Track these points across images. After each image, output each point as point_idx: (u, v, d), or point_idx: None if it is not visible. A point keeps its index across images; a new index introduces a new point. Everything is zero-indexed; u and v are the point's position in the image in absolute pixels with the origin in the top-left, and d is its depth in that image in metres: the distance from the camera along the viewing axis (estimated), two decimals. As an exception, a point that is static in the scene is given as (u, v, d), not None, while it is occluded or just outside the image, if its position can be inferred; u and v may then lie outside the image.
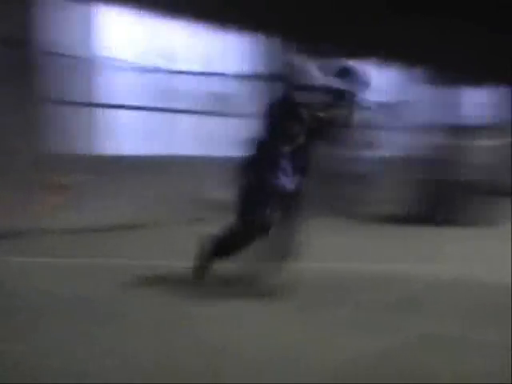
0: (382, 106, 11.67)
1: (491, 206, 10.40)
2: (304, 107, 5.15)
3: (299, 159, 5.24)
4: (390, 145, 12.24)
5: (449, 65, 15.86)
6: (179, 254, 6.40)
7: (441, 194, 10.36)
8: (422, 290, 5.80)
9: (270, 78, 12.01)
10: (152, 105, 10.67)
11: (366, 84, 5.41)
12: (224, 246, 5.52)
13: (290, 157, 5.18)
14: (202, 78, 11.35)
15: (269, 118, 5.27)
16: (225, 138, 11.45)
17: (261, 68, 12.26)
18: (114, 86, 10.15)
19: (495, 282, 6.06)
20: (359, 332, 4.37)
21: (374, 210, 10.96)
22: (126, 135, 10.42)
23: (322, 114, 5.19)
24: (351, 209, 10.86)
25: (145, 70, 10.50)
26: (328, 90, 5.21)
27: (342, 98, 5.27)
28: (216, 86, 11.54)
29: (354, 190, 11.05)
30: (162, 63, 10.67)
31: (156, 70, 10.59)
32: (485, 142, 10.73)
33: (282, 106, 5.24)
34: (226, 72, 11.72)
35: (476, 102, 18.12)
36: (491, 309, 5.10)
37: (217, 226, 5.54)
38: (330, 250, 7.42)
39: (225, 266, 5.61)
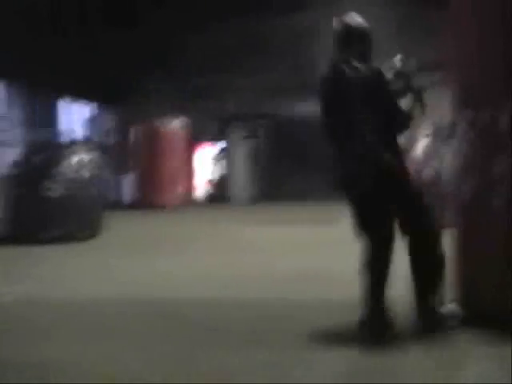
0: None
1: (84, 221, 10.61)
2: None
3: None
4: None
5: (42, 81, 15.93)
6: None
7: (40, 210, 10.22)
8: None
9: None
10: None
11: None
12: None
13: None
14: None
15: None
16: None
17: None
18: None
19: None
20: None
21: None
22: None
23: None
24: None
25: None
26: None
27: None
28: None
29: None
30: None
31: None
32: (74, 158, 10.83)
33: None
34: None
35: (69, 119, 18.41)
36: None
37: None
38: None
39: None
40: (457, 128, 4.76)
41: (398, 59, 4.58)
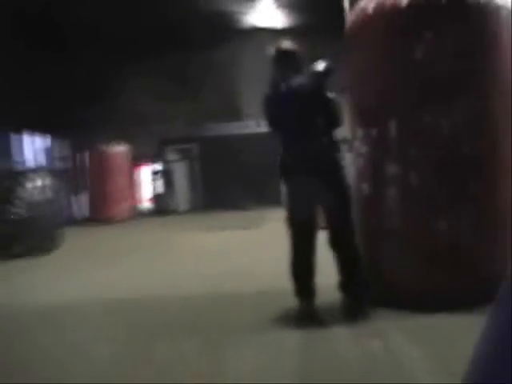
0: None
1: (45, 237, 10.56)
2: None
3: None
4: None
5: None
6: None
7: (5, 231, 10.04)
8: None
9: None
10: None
11: None
12: None
13: None
14: None
15: None
16: None
17: None
18: None
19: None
20: None
21: None
22: None
23: None
24: None
25: None
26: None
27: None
28: None
29: None
30: None
31: None
32: (32, 184, 10.71)
33: None
34: None
35: (25, 149, 18.09)
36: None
37: None
38: None
39: None
40: (354, 142, 4.99)
41: (317, 64, 4.58)
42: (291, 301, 4.58)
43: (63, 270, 8.42)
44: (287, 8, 16.79)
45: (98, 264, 8.69)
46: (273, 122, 4.64)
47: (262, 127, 5.27)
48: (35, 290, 7.00)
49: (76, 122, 17.82)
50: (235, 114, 18.87)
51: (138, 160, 18.73)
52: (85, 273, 7.93)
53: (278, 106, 4.55)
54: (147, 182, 19.87)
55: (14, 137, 17.38)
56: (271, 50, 4.69)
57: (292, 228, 4.51)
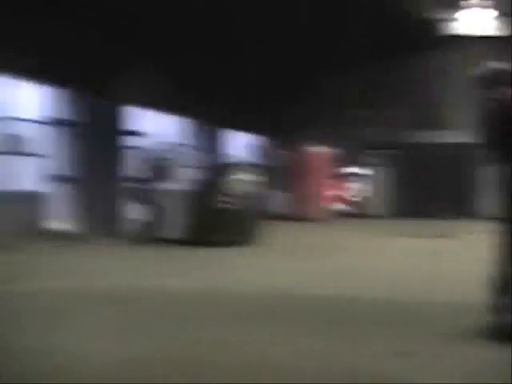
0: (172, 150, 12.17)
1: (247, 229, 10.85)
2: None
3: None
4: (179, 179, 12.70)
5: (216, 116, 16.56)
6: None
7: (212, 219, 10.55)
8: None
9: (61, 123, 11.89)
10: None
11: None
12: None
13: None
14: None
15: None
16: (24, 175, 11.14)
17: (54, 114, 11.89)
18: None
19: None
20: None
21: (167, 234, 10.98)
22: None
23: None
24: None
25: None
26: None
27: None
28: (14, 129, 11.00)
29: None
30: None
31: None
32: (238, 177, 11.11)
33: None
34: (23, 117, 11.21)
35: (235, 146, 19.00)
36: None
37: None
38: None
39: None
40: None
41: None
42: (481, 314, 4.26)
43: (266, 261, 8.64)
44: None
45: (297, 258, 8.88)
46: (496, 139, 4.33)
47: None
48: (241, 276, 7.25)
49: (281, 121, 18.31)
50: (437, 123, 18.20)
51: (339, 162, 18.74)
52: (287, 265, 8.13)
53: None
54: (346, 185, 19.82)
55: (222, 133, 18.34)
56: (480, 70, 4.44)
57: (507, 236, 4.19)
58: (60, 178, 11.96)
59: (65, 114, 12.04)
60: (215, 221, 10.52)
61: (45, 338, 4.14)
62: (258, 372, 3.42)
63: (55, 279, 6.73)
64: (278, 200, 18.26)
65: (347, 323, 4.76)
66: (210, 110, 16.07)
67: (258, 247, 10.39)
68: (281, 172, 18.45)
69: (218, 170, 11.77)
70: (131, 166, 12.83)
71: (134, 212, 12.39)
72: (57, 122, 11.92)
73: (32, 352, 3.78)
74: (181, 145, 16.33)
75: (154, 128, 14.90)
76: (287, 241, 11.61)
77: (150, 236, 10.84)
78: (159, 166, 11.33)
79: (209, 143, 17.34)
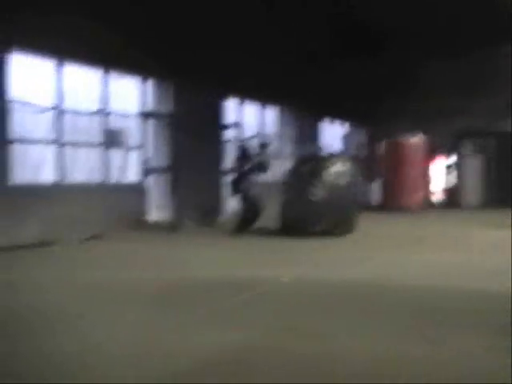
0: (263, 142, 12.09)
1: (342, 219, 10.80)
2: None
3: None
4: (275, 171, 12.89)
5: (307, 105, 16.60)
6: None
7: (306, 210, 10.56)
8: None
9: (156, 116, 12.22)
10: (61, 140, 10.35)
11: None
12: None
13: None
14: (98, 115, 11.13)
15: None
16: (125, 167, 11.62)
17: (148, 107, 12.22)
18: (25, 125, 9.79)
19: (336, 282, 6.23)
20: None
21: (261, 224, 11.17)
22: (39, 167, 10.14)
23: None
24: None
25: (49, 109, 10.13)
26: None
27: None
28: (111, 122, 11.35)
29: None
30: (65, 104, 10.33)
31: (59, 110, 10.25)
32: (333, 168, 11.04)
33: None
34: (120, 110, 11.57)
35: (328, 136, 18.95)
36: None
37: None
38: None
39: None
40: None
41: None
42: None
43: (362, 251, 8.62)
44: None
45: (392, 249, 8.80)
46: None
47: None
48: (340, 266, 7.25)
49: (373, 111, 18.18)
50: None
51: (432, 152, 18.29)
52: (385, 256, 8.10)
53: None
54: (440, 175, 19.32)
55: (318, 123, 18.32)
56: None
57: None
58: (160, 170, 12.31)
59: (164, 106, 12.31)
60: (310, 212, 10.50)
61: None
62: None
63: (172, 270, 7.00)
64: (373, 191, 18.11)
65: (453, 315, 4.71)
66: (307, 99, 16.11)
67: (354, 238, 10.35)
68: (375, 162, 18.30)
69: (314, 161, 11.63)
70: (229, 158, 13.06)
71: (230, 203, 12.62)
72: (156, 115, 12.21)
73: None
74: (277, 136, 16.47)
75: (251, 119, 15.09)
76: (382, 231, 11.51)
77: (245, 227, 10.98)
78: (256, 158, 11.37)
79: (304, 134, 17.34)
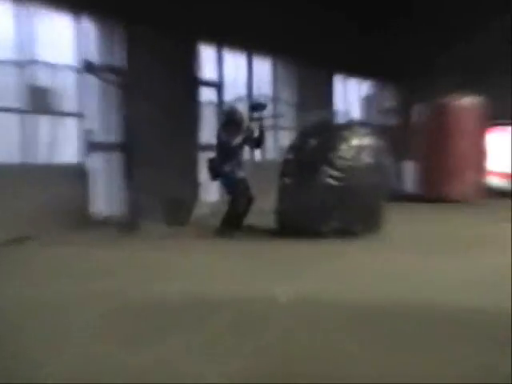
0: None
1: (365, 214, 10.81)
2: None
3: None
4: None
5: (312, 57, 16.60)
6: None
7: (318, 199, 10.53)
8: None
9: (102, 70, 12.30)
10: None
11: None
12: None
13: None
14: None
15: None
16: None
17: (91, 57, 12.19)
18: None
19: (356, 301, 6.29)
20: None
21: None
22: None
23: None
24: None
25: None
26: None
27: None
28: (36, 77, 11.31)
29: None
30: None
31: None
32: (349, 143, 10.94)
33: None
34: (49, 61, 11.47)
35: (345, 98, 18.88)
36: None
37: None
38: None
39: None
40: None
41: None
42: None
43: (393, 259, 8.61)
44: None
45: (434, 255, 8.78)
46: None
47: None
48: (363, 281, 7.28)
49: (406, 63, 18.25)
50: None
51: (493, 119, 18.07)
52: (421, 265, 8.08)
53: None
54: (502, 151, 19.14)
55: (331, 81, 18.25)
56: None
57: None
58: (109, 147, 12.36)
59: (114, 57, 12.39)
60: (322, 203, 10.52)
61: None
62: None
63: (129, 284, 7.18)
64: (407, 173, 18.02)
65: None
66: (313, 48, 16.07)
67: (380, 239, 10.37)
68: (410, 134, 18.15)
69: (325, 132, 11.52)
70: (208, 129, 12.98)
71: (210, 192, 12.50)
72: (102, 69, 12.23)
73: None
74: (273, 98, 16.34)
75: (238, 75, 15.25)
76: (420, 231, 11.46)
77: (231, 225, 10.99)
78: (245, 130, 11.23)
79: (311, 95, 17.28)
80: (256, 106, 11.65)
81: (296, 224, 10.57)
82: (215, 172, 11.32)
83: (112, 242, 10.33)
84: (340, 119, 17.02)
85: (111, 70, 12.31)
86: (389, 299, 6.32)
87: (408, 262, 8.41)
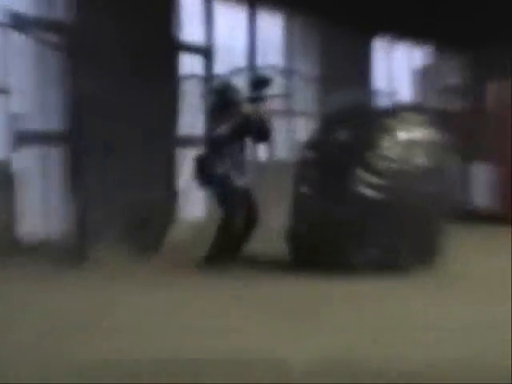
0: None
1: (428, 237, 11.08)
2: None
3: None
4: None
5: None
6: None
7: (349, 216, 10.68)
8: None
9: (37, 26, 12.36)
10: None
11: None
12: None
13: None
14: None
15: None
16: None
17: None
18: None
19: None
20: None
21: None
22: None
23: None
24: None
25: None
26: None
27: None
28: None
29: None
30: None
31: None
32: (403, 133, 11.11)
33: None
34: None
35: (388, 71, 18.92)
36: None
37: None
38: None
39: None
40: None
41: None
42: None
43: (456, 307, 8.68)
44: None
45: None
46: None
47: None
48: (415, 338, 7.33)
49: (481, 28, 18.62)
50: None
51: None
52: (500, 317, 7.99)
53: None
54: None
55: (365, 45, 18.29)
56: None
57: None
58: (45, 139, 12.33)
59: (55, 9, 12.37)
60: (353, 223, 10.64)
61: None
62: None
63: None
64: (478, 180, 17.92)
65: None
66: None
67: (437, 277, 10.42)
68: (483, 124, 18.07)
69: (361, 121, 11.63)
70: (190, 113, 12.98)
71: (193, 203, 12.46)
72: (36, 25, 12.20)
73: None
74: (287, 72, 16.36)
75: (234, 38, 15.31)
76: (496, 266, 11.37)
77: (225, 252, 11.12)
78: (245, 116, 11.25)
79: (340, 67, 17.29)
80: (260, 82, 11.78)
81: (316, 252, 10.67)
82: (204, 176, 11.42)
83: (47, 276, 10.31)
84: (382, 101, 16.92)
85: (51, 26, 12.26)
86: (448, 363, 6.36)
87: (478, 311, 8.43)
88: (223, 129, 11.13)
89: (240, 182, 11.18)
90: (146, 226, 12.47)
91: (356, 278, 9.98)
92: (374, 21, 17.85)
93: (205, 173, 11.29)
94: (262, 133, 11.44)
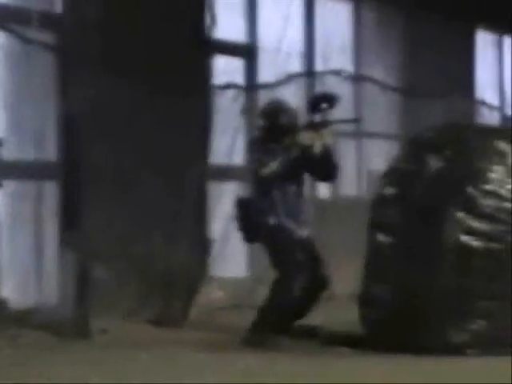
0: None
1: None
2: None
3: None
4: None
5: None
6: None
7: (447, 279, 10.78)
8: None
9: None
10: None
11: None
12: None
13: None
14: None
15: None
16: None
17: None
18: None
19: None
20: None
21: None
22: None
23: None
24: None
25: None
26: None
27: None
28: None
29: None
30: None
31: None
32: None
33: None
34: None
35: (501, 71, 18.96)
36: None
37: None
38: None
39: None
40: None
41: None
42: None
43: None
44: None
45: None
46: None
47: None
48: None
49: None
50: None
51: None
52: None
53: None
54: None
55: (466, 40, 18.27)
56: None
57: None
58: (28, 170, 12.52)
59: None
60: (450, 286, 10.64)
61: None
62: None
63: None
64: None
65: None
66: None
67: None
68: None
69: (461, 143, 11.59)
70: (225, 140, 13.00)
71: (231, 259, 12.41)
72: (21, 18, 12.30)
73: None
74: (356, 79, 16.36)
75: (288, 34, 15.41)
76: None
77: (276, 325, 11.19)
78: (301, 146, 11.33)
79: (435, 70, 17.20)
80: (323, 99, 11.66)
81: (402, 325, 10.63)
82: (249, 225, 11.49)
83: (31, 357, 10.30)
84: (489, 116, 16.82)
85: (41, 20, 12.20)
86: None
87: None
88: (275, 164, 11.15)
89: (299, 232, 11.21)
90: (169, 287, 12.49)
91: (454, 362, 10.01)
92: (480, 8, 17.92)
93: (251, 221, 11.35)
94: (325, 170, 11.46)
